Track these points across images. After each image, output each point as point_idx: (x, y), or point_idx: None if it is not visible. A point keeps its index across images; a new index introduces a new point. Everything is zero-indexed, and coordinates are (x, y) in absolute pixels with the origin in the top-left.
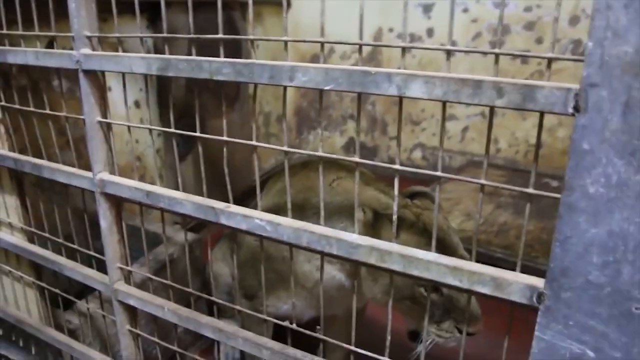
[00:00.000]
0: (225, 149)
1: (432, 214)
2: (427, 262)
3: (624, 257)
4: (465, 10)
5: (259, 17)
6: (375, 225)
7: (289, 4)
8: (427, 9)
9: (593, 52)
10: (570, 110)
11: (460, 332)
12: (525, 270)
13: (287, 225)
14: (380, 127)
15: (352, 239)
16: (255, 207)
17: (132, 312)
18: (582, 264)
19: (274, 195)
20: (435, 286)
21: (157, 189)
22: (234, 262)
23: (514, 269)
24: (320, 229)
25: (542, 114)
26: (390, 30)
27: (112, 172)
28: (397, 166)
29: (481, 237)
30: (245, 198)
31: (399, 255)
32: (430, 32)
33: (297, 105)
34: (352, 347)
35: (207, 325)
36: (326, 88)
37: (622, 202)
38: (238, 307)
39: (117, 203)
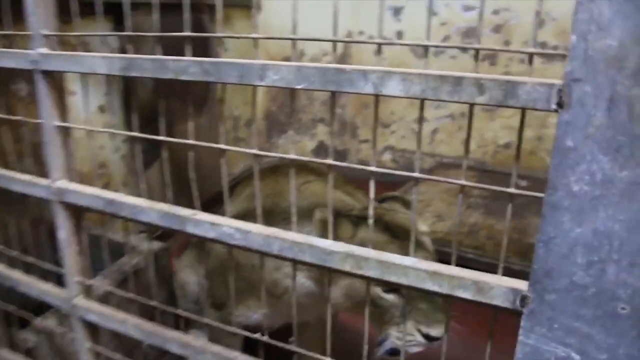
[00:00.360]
0: (192, 154)
1: (396, 215)
2: (405, 268)
3: (608, 256)
4: (435, 14)
5: (229, 21)
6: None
7: (259, 6)
8: (396, 11)
9: (576, 46)
10: (554, 107)
11: (424, 335)
12: (496, 269)
13: (257, 232)
14: (350, 130)
15: (326, 245)
16: (224, 214)
17: (93, 329)
18: (567, 265)
19: (243, 200)
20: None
21: (119, 196)
22: (202, 270)
23: (486, 270)
24: (292, 236)
25: (523, 110)
26: (361, 33)
27: (71, 180)
28: (372, 168)
29: (451, 239)
30: (213, 204)
31: (376, 262)
32: (399, 35)
33: (267, 108)
34: (327, 359)
35: (173, 340)
36: (298, 87)
37: (607, 200)
38: (206, 320)
39: (77, 212)
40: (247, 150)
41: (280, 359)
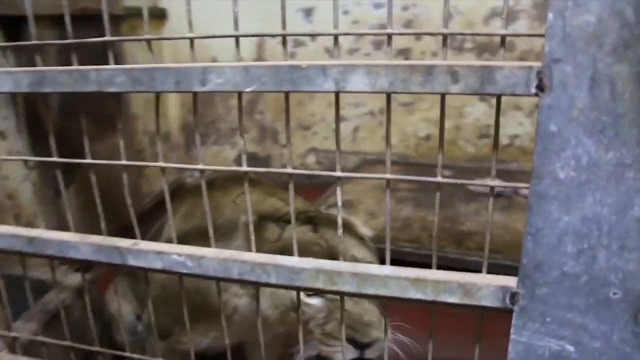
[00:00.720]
0: (125, 175)
1: (329, 215)
2: (385, 278)
3: (598, 242)
4: (346, 13)
5: (135, 31)
6: (257, 229)
7: (165, 15)
8: (307, 13)
9: (554, 24)
10: (534, 90)
11: (352, 343)
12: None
13: (212, 257)
14: (271, 135)
15: (293, 263)
16: (153, 237)
17: None
18: (557, 256)
19: (178, 220)
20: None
21: (42, 232)
22: (139, 299)
23: (423, 262)
24: (253, 257)
25: (499, 97)
26: (272, 37)
27: None
28: (290, 170)
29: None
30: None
31: (350, 275)
32: (312, 37)
33: (184, 121)
34: None
35: None
36: (248, 90)
37: (594, 185)
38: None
39: None
40: (194, 167)
41: None
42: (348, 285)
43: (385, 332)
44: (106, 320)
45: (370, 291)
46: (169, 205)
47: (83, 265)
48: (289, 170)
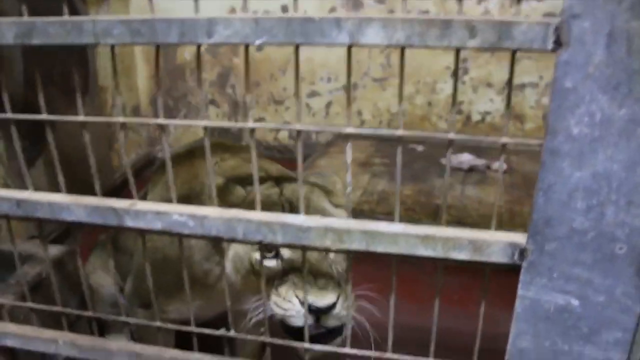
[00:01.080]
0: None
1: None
2: (394, 236)
3: (607, 198)
4: None
5: (103, 2)
6: (224, 191)
7: None
8: None
9: None
10: (551, 46)
11: (310, 308)
12: None
13: (216, 216)
14: (242, 110)
15: (300, 221)
16: None
17: (11, 354)
18: (567, 211)
19: (160, 189)
20: (270, 248)
21: (32, 194)
22: (115, 269)
23: None
24: (259, 216)
25: (513, 52)
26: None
27: None
28: (298, 126)
29: (364, 207)
30: (132, 185)
31: (360, 233)
32: (284, 9)
33: (152, 94)
34: (267, 338)
35: (120, 352)
36: (257, 42)
37: (606, 141)
38: (135, 320)
39: None
40: (198, 123)
41: (217, 350)
42: (357, 243)
43: (343, 298)
44: (84, 294)
45: (380, 249)
46: (169, 167)
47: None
48: (297, 126)
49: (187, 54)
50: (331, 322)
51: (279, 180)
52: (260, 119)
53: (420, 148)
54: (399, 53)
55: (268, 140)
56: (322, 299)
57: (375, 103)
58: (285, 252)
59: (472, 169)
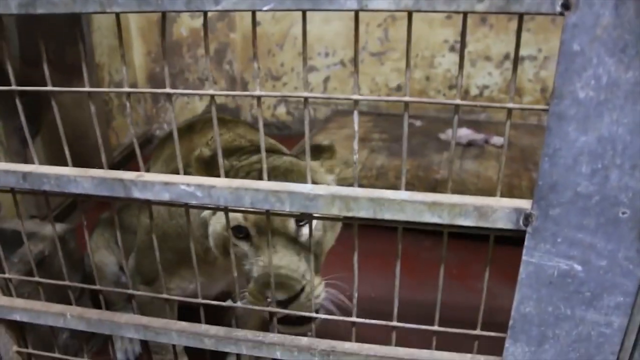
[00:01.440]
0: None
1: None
2: (401, 202)
3: (612, 162)
4: None
5: None
6: (210, 163)
7: None
8: None
9: None
10: (559, 9)
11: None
12: None
13: (224, 186)
14: (240, 86)
15: (308, 190)
16: None
17: (19, 329)
18: (572, 176)
19: (161, 166)
20: (242, 230)
21: (37, 167)
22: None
23: None
24: (266, 185)
25: (521, 16)
26: None
27: None
28: (305, 94)
29: (363, 182)
30: (139, 157)
31: (367, 200)
32: None
33: (149, 71)
34: (273, 308)
35: (128, 324)
36: (265, 8)
37: (612, 104)
38: (142, 293)
39: None
40: (205, 92)
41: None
42: (364, 211)
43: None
44: (88, 271)
45: (387, 216)
46: (176, 136)
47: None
48: (304, 94)
49: (183, 29)
50: (298, 309)
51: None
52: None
53: (418, 123)
54: (396, 27)
55: (266, 117)
56: (284, 293)
57: (373, 78)
58: (255, 235)
59: (470, 144)
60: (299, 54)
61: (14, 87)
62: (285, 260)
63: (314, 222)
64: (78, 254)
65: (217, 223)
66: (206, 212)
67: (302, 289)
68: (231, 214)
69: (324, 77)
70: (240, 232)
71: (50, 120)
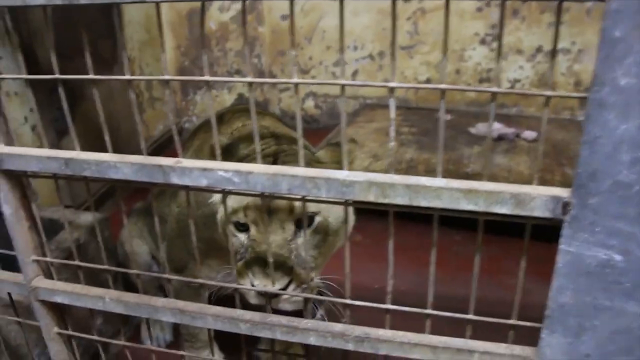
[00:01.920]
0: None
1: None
2: (437, 189)
3: None
4: None
5: None
6: (227, 149)
7: None
8: None
9: None
10: None
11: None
12: None
13: (261, 172)
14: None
15: (344, 176)
16: None
17: (60, 311)
18: (611, 164)
19: (192, 155)
20: (241, 225)
21: (79, 154)
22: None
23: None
24: (303, 171)
25: (560, 3)
26: None
27: (8, 143)
28: (342, 82)
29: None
30: (177, 142)
31: (403, 187)
32: None
33: (179, 64)
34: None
35: (164, 308)
36: None
37: None
38: (176, 277)
39: (20, 182)
40: (243, 80)
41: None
42: (400, 198)
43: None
44: (121, 260)
45: (423, 203)
46: (214, 122)
47: (80, 205)
48: (342, 81)
49: (212, 23)
50: (283, 305)
51: (278, 138)
52: (285, 90)
53: (448, 117)
54: (425, 20)
55: (295, 110)
56: (267, 283)
57: (403, 71)
58: (253, 230)
59: (501, 138)
60: (327, 48)
61: (57, 76)
62: (276, 256)
63: (329, 215)
64: (111, 243)
65: (222, 210)
66: (215, 198)
67: (289, 283)
68: (233, 209)
69: (352, 71)
70: (242, 225)
71: (83, 113)
